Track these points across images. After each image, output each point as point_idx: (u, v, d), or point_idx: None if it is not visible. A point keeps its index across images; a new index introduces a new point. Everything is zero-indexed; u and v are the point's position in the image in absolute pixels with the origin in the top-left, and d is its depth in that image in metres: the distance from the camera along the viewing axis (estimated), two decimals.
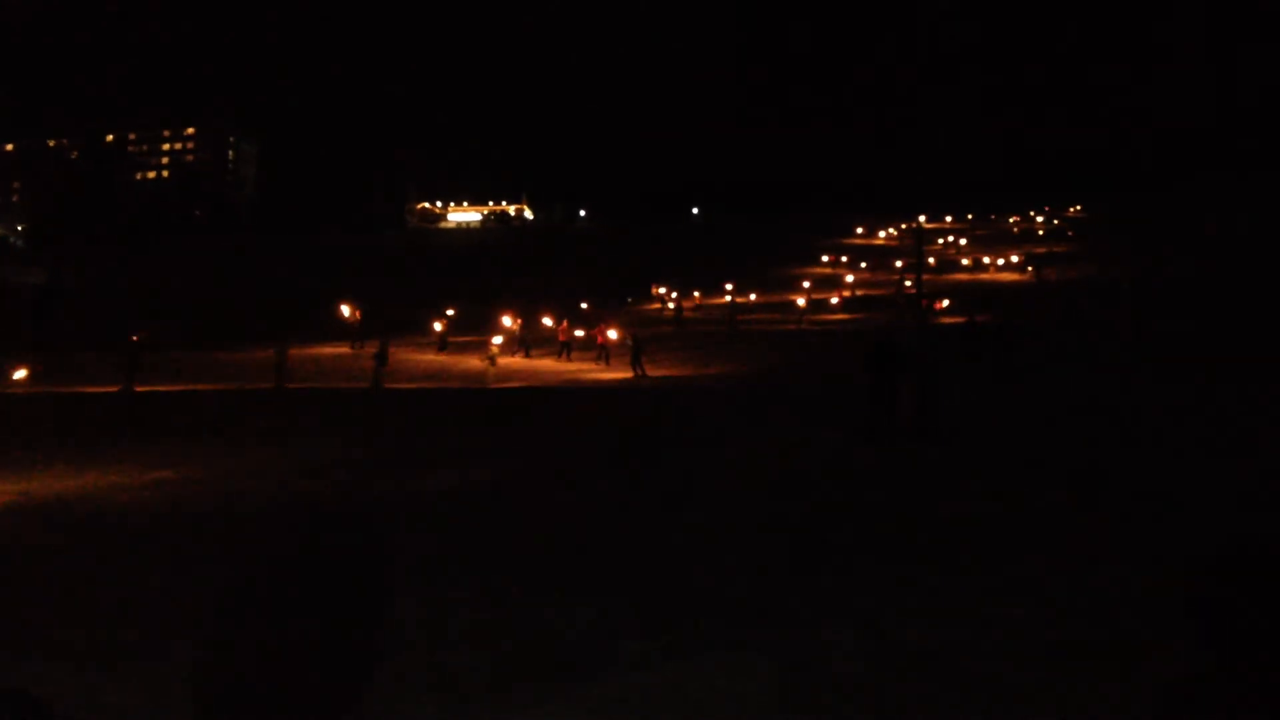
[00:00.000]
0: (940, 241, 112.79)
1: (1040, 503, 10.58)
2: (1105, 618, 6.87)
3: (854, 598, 7.62)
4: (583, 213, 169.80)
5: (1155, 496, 10.40)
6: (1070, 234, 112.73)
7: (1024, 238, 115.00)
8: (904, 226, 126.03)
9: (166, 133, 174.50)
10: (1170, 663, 5.41)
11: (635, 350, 31.00)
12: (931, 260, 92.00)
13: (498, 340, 34.41)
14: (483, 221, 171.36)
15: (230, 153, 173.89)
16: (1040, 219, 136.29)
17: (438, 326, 44.16)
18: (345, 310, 46.35)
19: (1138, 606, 7.01)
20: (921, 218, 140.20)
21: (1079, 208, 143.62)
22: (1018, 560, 8.44)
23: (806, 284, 66.04)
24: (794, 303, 58.78)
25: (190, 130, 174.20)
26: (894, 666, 6.29)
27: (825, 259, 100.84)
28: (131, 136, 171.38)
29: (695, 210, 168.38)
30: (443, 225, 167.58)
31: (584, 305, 51.38)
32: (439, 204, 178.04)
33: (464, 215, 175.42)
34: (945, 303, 47.52)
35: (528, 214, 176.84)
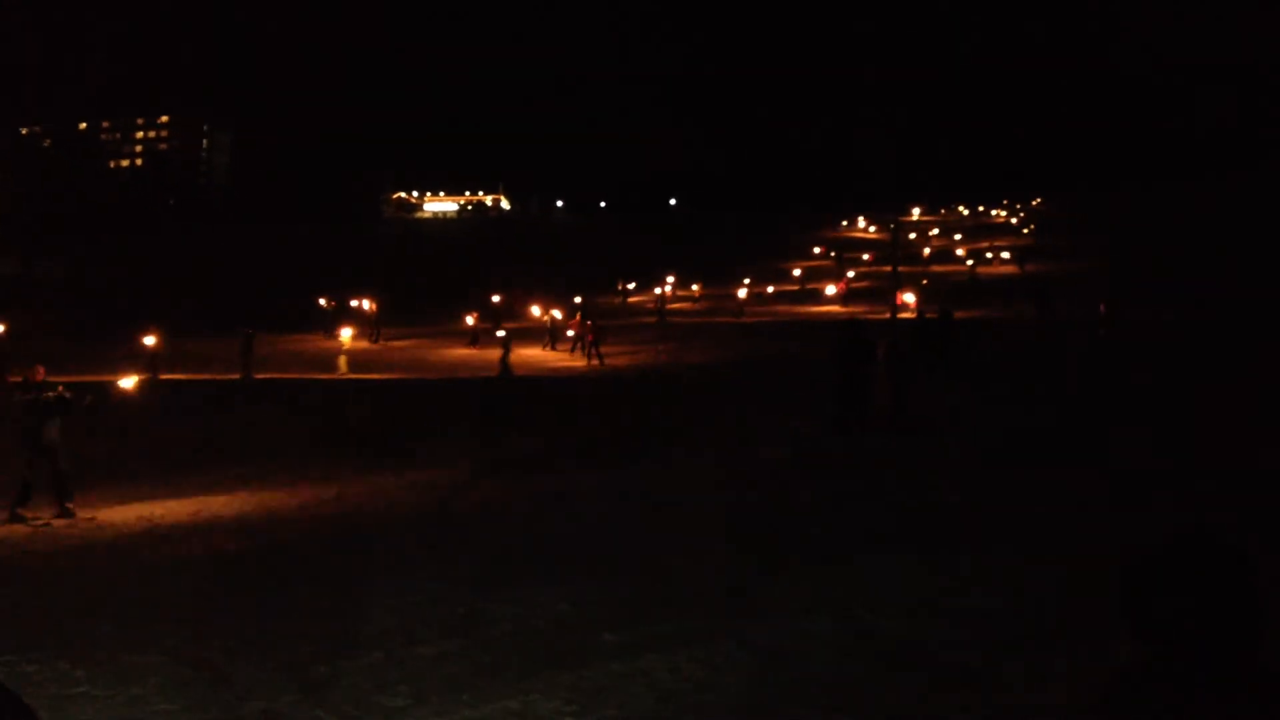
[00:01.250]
0: (913, 235, 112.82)
1: (1010, 493, 10.68)
2: (1074, 608, 6.97)
3: (828, 589, 7.69)
4: (560, 203, 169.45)
5: (1124, 487, 10.52)
6: (1027, 230, 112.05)
7: (987, 231, 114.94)
8: (894, 221, 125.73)
9: (140, 120, 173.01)
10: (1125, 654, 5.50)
11: (506, 345, 30.59)
12: (927, 251, 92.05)
13: (347, 333, 33.81)
14: (459, 212, 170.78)
15: (204, 141, 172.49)
16: (1003, 212, 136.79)
17: (471, 320, 42.40)
18: (365, 304, 45.20)
19: (1105, 597, 7.08)
20: (916, 210, 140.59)
21: (1039, 200, 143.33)
22: (989, 551, 8.54)
23: (747, 279, 66.49)
24: (735, 295, 59.46)
25: (164, 119, 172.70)
26: (868, 657, 6.36)
27: (817, 251, 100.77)
28: (105, 125, 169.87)
29: (673, 202, 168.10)
30: (419, 215, 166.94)
31: (495, 299, 49.90)
32: (414, 194, 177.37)
33: (440, 205, 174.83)
34: (910, 298, 46.53)
35: (505, 205, 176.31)
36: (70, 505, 12.64)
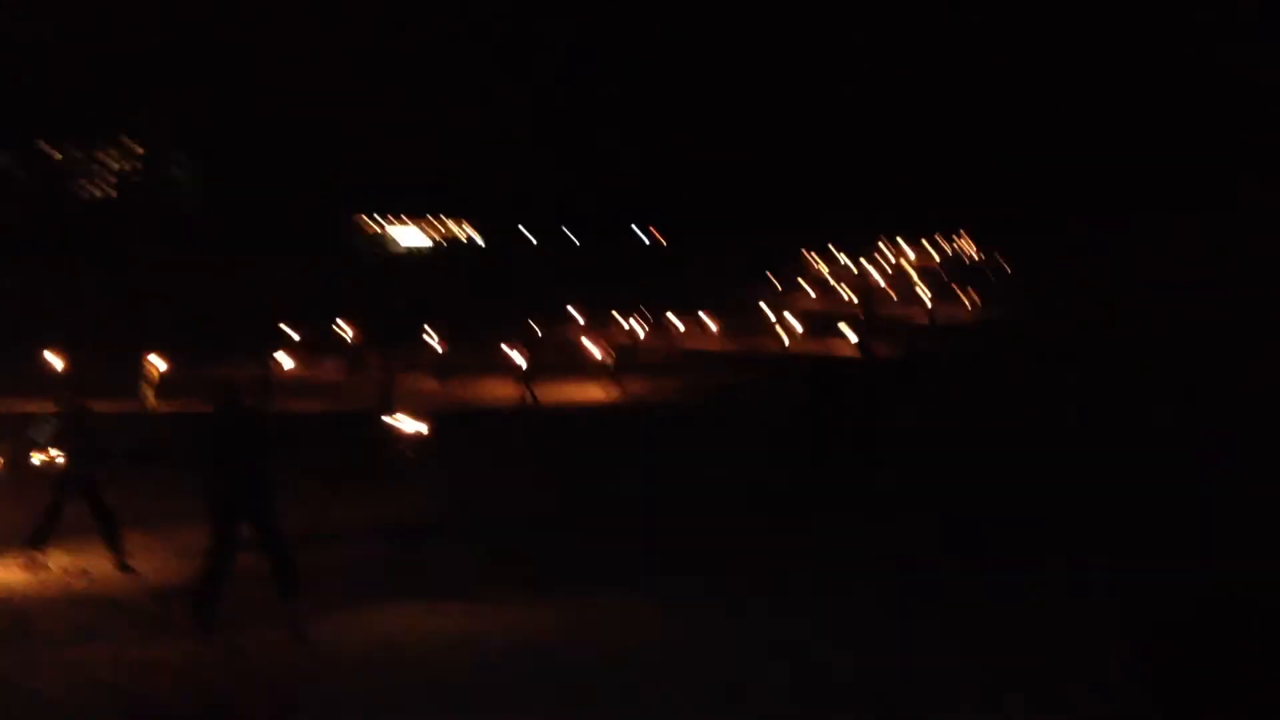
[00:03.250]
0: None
1: (976, 536, 10.66)
2: (1039, 656, 6.93)
3: (789, 628, 7.65)
4: (533, 240, 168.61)
5: (1090, 533, 10.46)
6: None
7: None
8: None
9: (108, 144, 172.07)
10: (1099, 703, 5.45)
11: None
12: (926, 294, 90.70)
13: (159, 359, 29.15)
14: (435, 248, 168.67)
15: (172, 167, 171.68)
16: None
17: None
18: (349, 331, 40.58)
19: (1067, 644, 7.05)
20: (905, 243, 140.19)
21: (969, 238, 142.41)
22: (952, 595, 8.57)
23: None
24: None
25: (131, 143, 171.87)
26: (826, 696, 6.31)
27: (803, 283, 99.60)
28: (76, 150, 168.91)
29: (640, 232, 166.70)
30: (394, 250, 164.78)
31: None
32: (377, 217, 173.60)
33: (410, 238, 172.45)
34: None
35: (479, 240, 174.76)
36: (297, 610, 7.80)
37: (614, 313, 41.86)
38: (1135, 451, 15.33)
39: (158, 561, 9.80)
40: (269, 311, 35.74)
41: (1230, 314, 37.33)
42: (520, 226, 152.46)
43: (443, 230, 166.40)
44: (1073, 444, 16.53)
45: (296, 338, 39.13)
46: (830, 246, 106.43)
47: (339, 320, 39.98)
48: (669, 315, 44.35)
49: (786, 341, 39.83)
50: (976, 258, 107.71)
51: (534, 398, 28.80)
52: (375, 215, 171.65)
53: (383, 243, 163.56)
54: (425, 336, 36.75)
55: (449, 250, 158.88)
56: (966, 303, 57.81)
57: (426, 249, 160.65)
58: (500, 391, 24.06)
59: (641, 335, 44.04)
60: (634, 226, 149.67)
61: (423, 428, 10.42)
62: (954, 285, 64.73)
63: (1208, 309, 40.20)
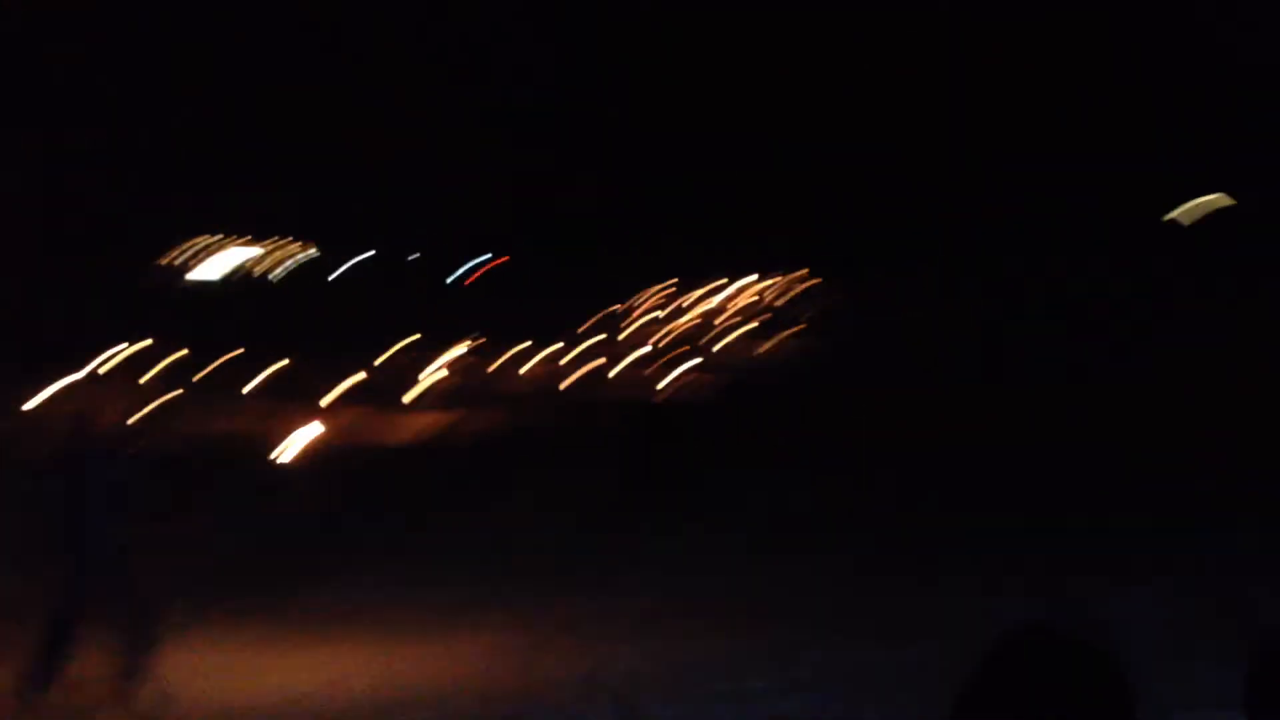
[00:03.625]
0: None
1: (790, 562, 10.80)
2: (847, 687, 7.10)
3: (608, 667, 7.73)
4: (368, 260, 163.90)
5: (918, 550, 10.90)
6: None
7: None
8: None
9: None
10: None
11: None
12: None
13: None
14: (263, 269, 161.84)
15: None
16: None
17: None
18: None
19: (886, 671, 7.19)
20: (741, 278, 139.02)
21: (806, 271, 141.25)
22: (767, 630, 8.70)
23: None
24: None
25: None
26: None
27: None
28: None
29: (482, 255, 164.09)
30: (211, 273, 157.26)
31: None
32: (204, 240, 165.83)
33: (234, 259, 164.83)
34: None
35: (312, 255, 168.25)
36: (141, 660, 7.00)
37: (448, 341, 41.02)
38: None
39: None
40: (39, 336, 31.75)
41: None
42: (357, 249, 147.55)
43: (273, 250, 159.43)
44: (900, 463, 16.84)
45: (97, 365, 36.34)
46: (668, 280, 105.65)
47: (134, 346, 37.63)
48: (503, 343, 43.36)
49: (615, 374, 39.42)
50: (805, 290, 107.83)
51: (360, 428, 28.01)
52: (200, 233, 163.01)
53: (201, 264, 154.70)
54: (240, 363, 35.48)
55: (291, 272, 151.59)
56: (794, 334, 58.52)
57: (252, 268, 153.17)
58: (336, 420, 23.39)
59: (475, 362, 42.84)
60: (475, 250, 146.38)
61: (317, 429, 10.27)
62: (784, 319, 65.10)
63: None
